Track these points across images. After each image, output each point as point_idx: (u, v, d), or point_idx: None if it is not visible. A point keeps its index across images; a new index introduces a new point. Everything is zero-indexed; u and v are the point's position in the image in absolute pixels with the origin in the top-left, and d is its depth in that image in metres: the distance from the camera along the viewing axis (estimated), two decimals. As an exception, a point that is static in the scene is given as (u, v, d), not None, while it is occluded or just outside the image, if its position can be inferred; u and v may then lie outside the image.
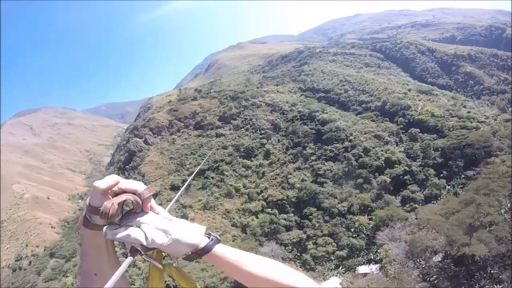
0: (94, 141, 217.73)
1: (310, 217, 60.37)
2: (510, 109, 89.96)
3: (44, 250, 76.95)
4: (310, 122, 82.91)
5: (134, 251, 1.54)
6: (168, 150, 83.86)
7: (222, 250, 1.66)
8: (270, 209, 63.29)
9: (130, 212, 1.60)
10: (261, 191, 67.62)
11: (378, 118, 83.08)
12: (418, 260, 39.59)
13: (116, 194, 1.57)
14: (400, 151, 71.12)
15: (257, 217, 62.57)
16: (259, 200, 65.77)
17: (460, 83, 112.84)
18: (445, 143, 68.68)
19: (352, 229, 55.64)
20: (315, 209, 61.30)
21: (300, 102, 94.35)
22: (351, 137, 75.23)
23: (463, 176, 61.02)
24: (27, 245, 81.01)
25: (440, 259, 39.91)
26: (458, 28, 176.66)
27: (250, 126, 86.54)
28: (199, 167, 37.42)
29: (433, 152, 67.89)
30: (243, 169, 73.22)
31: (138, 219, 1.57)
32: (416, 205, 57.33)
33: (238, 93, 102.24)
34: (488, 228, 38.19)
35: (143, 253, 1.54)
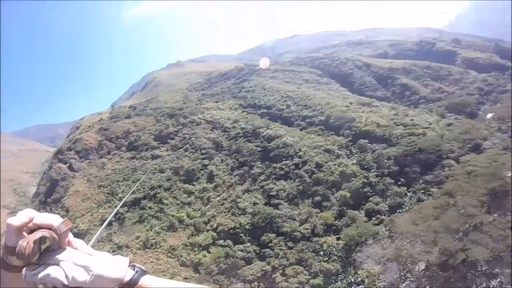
0: (19, 168, 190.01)
1: (270, 245, 53.15)
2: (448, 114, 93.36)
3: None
4: (254, 139, 78.25)
5: None
6: (97, 177, 71.01)
7: (149, 281, 1.56)
8: (222, 241, 54.97)
9: (48, 250, 1.48)
10: (209, 220, 58.89)
11: (324, 132, 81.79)
12: (403, 273, 38.03)
13: (32, 230, 1.46)
14: (353, 164, 68.74)
15: (209, 252, 53.69)
16: (208, 231, 56.83)
17: (397, 94, 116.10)
18: (397, 151, 67.89)
19: (321, 253, 49.80)
20: (274, 235, 54.45)
21: (242, 118, 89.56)
22: (301, 153, 71.34)
23: (421, 181, 60.44)
24: None
25: (423, 267, 38.99)
26: (390, 45, 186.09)
27: (190, 146, 78.17)
28: (129, 193, 27.91)
29: (386, 161, 66.68)
30: (185, 195, 63.76)
31: (56, 256, 1.46)
32: (383, 217, 54.65)
33: (176, 109, 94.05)
34: (477, 229, 38.16)
35: None
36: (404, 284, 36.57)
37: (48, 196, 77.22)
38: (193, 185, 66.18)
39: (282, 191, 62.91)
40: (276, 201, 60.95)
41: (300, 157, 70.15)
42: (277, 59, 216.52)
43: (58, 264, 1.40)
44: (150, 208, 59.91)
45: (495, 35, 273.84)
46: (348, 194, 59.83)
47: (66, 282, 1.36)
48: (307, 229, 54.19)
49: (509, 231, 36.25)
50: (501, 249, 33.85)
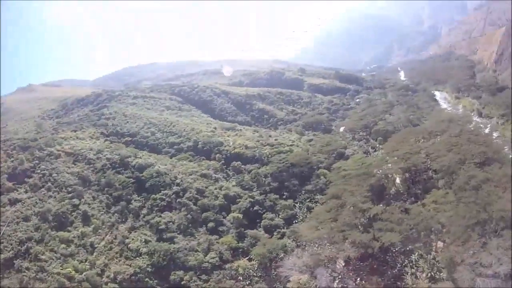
0: None
1: (183, 283, 49.15)
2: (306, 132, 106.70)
3: None
4: (124, 170, 72.49)
5: None
6: None
7: None
8: None
9: None
10: (102, 270, 50.26)
11: (195, 157, 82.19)
12: (329, 273, 40.84)
13: None
14: (233, 185, 70.84)
15: None
16: (106, 283, 48.33)
17: (257, 118, 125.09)
18: (271, 168, 73.44)
19: (240, 278, 48.88)
20: (182, 272, 50.56)
21: (107, 148, 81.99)
22: (178, 181, 69.59)
23: (304, 191, 66.54)
24: None
25: (343, 264, 42.75)
26: (244, 74, 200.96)
27: (52, 184, 66.15)
28: None
29: (264, 179, 71.32)
30: (63, 245, 52.73)
31: None
32: (283, 230, 57.56)
33: (29, 141, 78.71)
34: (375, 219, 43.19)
35: None
36: (335, 283, 39.10)
37: None
38: (69, 231, 55.81)
39: (171, 223, 59.50)
40: (169, 234, 57.22)
41: (178, 185, 68.18)
42: (136, 85, 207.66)
43: None
44: (27, 269, 47.26)
45: (331, 64, 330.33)
46: (240, 215, 61.07)
47: None
48: (214, 257, 52.54)
49: (404, 214, 43.62)
50: (406, 229, 39.71)
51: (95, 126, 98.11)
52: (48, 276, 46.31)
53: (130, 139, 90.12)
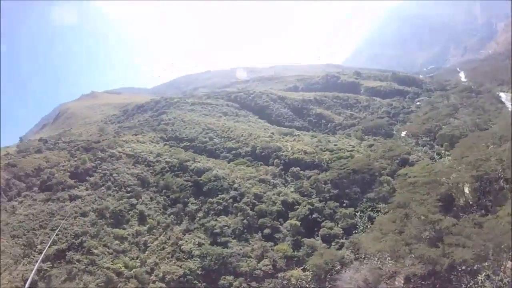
0: None
1: None
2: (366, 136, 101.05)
3: None
4: (183, 174, 72.40)
5: None
6: (9, 224, 54.69)
7: None
8: None
9: None
10: (152, 269, 49.73)
11: (253, 163, 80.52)
12: None
13: None
14: (292, 192, 67.88)
15: None
16: (154, 282, 47.70)
17: (314, 123, 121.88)
18: (331, 175, 69.62)
19: None
20: (232, 277, 48.42)
21: (166, 152, 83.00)
22: (235, 185, 67.90)
23: (365, 200, 62.30)
24: None
25: (403, 281, 39.10)
26: (299, 79, 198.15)
27: (112, 183, 67.75)
28: (47, 245, 19.98)
29: (324, 185, 67.71)
30: (117, 241, 53.34)
31: None
32: (342, 240, 53.71)
33: (92, 143, 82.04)
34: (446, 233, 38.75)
35: None
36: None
37: None
38: (124, 228, 56.37)
39: (226, 227, 57.67)
40: (223, 238, 55.41)
41: (235, 189, 66.48)
42: (192, 93, 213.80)
43: None
44: (78, 261, 48.09)
45: (386, 66, 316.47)
46: (298, 223, 57.73)
47: None
48: (267, 265, 49.58)
49: (478, 228, 37.78)
50: (479, 246, 34.40)
51: (155, 130, 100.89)
52: (98, 270, 46.45)
53: (189, 144, 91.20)
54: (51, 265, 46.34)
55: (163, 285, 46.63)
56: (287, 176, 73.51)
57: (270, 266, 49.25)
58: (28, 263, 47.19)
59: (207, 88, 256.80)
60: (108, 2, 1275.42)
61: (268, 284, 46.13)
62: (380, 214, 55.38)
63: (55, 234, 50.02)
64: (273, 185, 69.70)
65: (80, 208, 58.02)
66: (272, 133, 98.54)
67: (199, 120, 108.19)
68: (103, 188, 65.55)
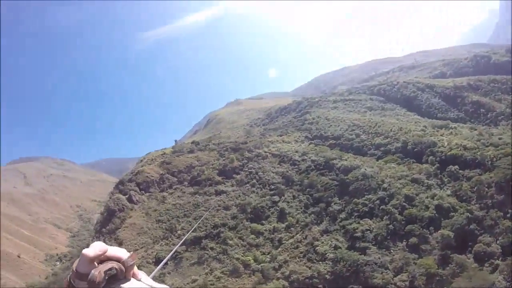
0: (87, 196, 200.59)
1: None
2: None
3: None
4: (328, 172, 69.77)
5: None
6: (156, 211, 65.72)
7: None
8: None
9: (114, 278, 1.64)
10: (280, 266, 49.62)
11: (404, 160, 72.52)
12: None
13: (101, 261, 1.63)
14: (448, 195, 57.99)
15: None
16: (278, 279, 47.51)
17: (471, 114, 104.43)
18: (497, 176, 57.12)
19: None
20: (361, 286, 44.47)
21: (311, 150, 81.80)
22: (385, 185, 61.39)
23: None
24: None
25: None
26: (445, 64, 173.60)
27: (257, 181, 70.72)
28: (191, 230, 21.47)
29: (487, 189, 56.29)
30: (253, 236, 55.43)
31: (121, 285, 1.64)
32: (498, 262, 44.06)
33: (240, 144, 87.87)
34: None
35: None
36: None
37: (104, 226, 73.04)
38: (262, 224, 57.95)
39: (368, 231, 52.76)
40: (362, 244, 50.82)
41: (385, 189, 60.09)
42: (332, 91, 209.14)
43: None
44: (211, 248, 52.25)
45: None
46: (451, 234, 48.88)
47: None
48: (404, 280, 43.77)
49: None
50: None
51: (299, 130, 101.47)
52: (227, 259, 49.14)
53: (334, 141, 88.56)
54: (185, 248, 51.42)
55: (286, 283, 45.62)
56: (443, 176, 63.48)
57: (407, 283, 43.16)
58: (165, 244, 53.96)
59: (346, 84, 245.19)
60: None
61: None
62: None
63: (198, 222, 55.75)
64: (427, 186, 61.21)
65: (224, 202, 63.00)
66: (425, 127, 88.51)
67: (343, 117, 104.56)
68: (247, 185, 69.14)
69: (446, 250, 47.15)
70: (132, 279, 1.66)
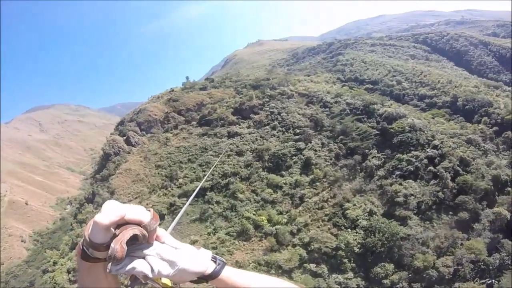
0: (102, 139, 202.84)
1: (384, 281, 34.54)
2: None
3: (6, 274, 59.51)
4: (367, 119, 59.65)
5: (134, 280, 1.50)
6: (157, 154, 57.51)
7: (229, 273, 1.66)
8: (314, 265, 37.14)
9: (135, 243, 1.49)
10: (299, 230, 40.81)
11: (454, 117, 63.14)
12: None
13: (119, 225, 1.46)
14: (505, 165, 47.88)
15: (291, 279, 35.40)
16: (294, 246, 38.86)
17: None
18: None
19: None
20: (393, 266, 35.62)
21: (346, 92, 71.58)
22: (435, 141, 50.54)
23: None
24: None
25: None
26: (499, 25, 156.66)
27: (279, 123, 60.88)
28: (201, 182, 11.41)
29: None
30: (269, 190, 46.16)
31: (143, 251, 1.50)
32: None
33: (261, 80, 76.71)
34: None
35: (143, 281, 1.50)
36: None
37: (98, 172, 66.84)
38: (282, 175, 48.67)
39: (412, 196, 42.70)
40: (403, 212, 41.21)
41: (435, 147, 49.40)
42: (365, 39, 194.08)
43: (143, 258, 1.44)
44: (217, 203, 43.69)
45: None
46: (508, 214, 39.71)
47: (150, 275, 1.41)
48: (448, 266, 34.76)
49: None
50: None
51: (330, 71, 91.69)
52: (235, 217, 40.64)
53: (372, 86, 79.73)
54: (185, 201, 43.03)
55: (304, 252, 37.20)
56: (499, 142, 53.81)
57: (451, 269, 34.33)
58: (163, 195, 45.93)
59: (382, 33, 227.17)
60: None
61: None
62: None
63: (212, 169, 47.01)
64: (484, 150, 50.86)
65: (237, 146, 53.69)
66: (477, 84, 78.32)
67: (383, 62, 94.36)
68: (267, 127, 59.64)
69: (498, 234, 38.25)
70: (155, 242, 1.48)
